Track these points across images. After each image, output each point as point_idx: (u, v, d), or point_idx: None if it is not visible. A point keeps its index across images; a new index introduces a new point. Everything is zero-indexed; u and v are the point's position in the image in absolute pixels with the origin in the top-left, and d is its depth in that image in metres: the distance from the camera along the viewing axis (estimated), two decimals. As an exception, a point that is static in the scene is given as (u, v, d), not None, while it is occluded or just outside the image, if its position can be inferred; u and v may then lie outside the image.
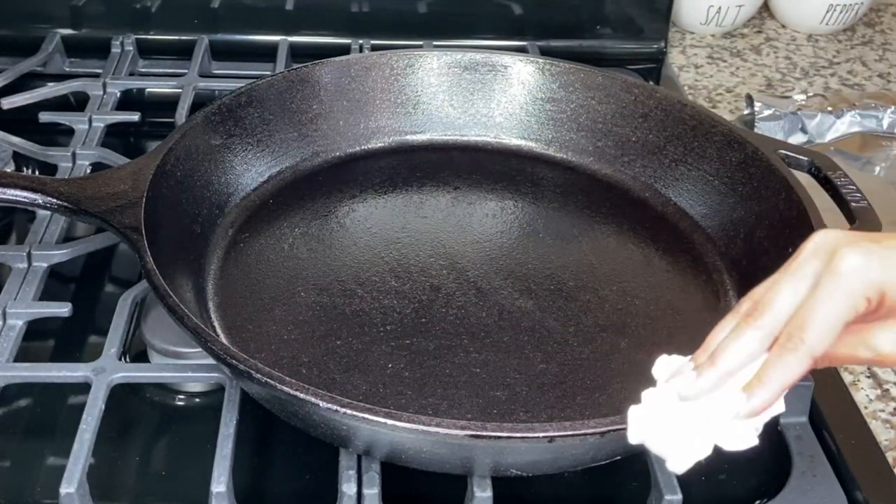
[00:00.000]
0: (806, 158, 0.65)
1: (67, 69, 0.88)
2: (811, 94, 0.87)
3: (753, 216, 0.65)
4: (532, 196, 0.72)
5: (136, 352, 0.60)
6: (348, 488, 0.49)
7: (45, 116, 0.79)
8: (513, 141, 0.76)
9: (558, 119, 0.75)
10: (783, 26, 1.05)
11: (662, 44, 0.95)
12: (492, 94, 0.76)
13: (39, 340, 0.61)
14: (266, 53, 0.89)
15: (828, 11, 1.01)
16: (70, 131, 0.77)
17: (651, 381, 0.46)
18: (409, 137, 0.76)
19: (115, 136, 0.79)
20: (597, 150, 0.74)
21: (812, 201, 0.60)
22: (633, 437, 0.42)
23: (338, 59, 0.75)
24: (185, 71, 0.85)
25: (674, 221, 0.69)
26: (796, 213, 0.59)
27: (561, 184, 0.73)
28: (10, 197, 0.57)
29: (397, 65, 0.75)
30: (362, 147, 0.75)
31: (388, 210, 0.70)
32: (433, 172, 0.74)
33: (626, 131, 0.73)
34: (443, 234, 0.68)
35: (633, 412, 0.43)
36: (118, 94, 0.82)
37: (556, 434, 0.44)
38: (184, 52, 0.88)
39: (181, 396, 0.58)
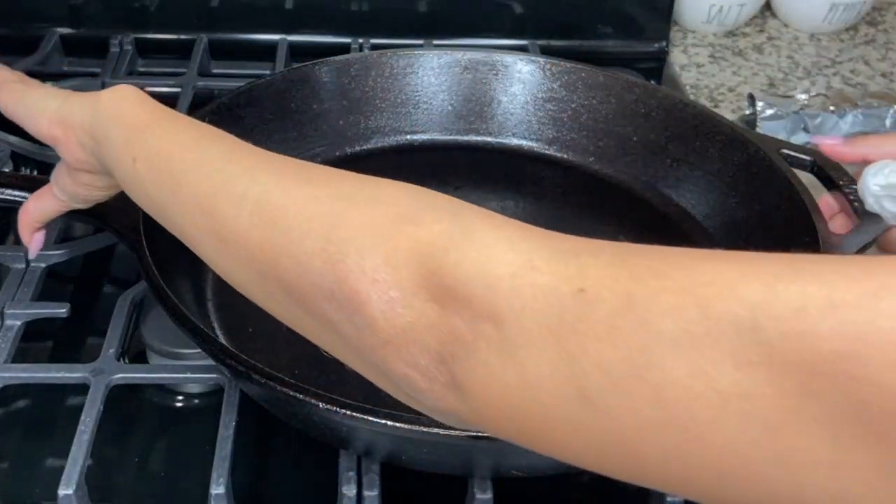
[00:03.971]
0: (808, 158, 0.65)
1: (66, 68, 0.88)
2: (814, 93, 0.86)
3: (756, 216, 0.64)
4: (533, 196, 0.72)
5: (134, 353, 0.59)
6: (348, 490, 0.49)
7: (43, 116, 0.78)
8: (513, 141, 0.76)
9: (559, 119, 0.75)
10: (785, 25, 1.05)
11: (664, 43, 0.95)
12: (492, 93, 0.76)
13: (38, 341, 0.61)
14: (265, 53, 0.89)
15: (830, 10, 1.00)
16: (69, 131, 0.77)
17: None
18: (410, 137, 0.76)
19: (115, 136, 0.79)
20: (598, 150, 0.74)
21: (814, 201, 0.60)
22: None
23: (337, 58, 0.74)
24: (184, 70, 0.85)
25: (676, 221, 0.69)
26: (799, 212, 0.59)
27: (562, 184, 0.73)
28: (8, 197, 0.57)
29: (397, 65, 0.75)
30: (362, 147, 0.75)
31: (388, 210, 0.70)
32: (433, 172, 0.74)
33: (628, 131, 0.72)
34: (443, 235, 0.67)
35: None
36: (117, 94, 0.82)
37: (557, 435, 0.44)
38: (183, 51, 0.88)
39: (180, 397, 0.58)
